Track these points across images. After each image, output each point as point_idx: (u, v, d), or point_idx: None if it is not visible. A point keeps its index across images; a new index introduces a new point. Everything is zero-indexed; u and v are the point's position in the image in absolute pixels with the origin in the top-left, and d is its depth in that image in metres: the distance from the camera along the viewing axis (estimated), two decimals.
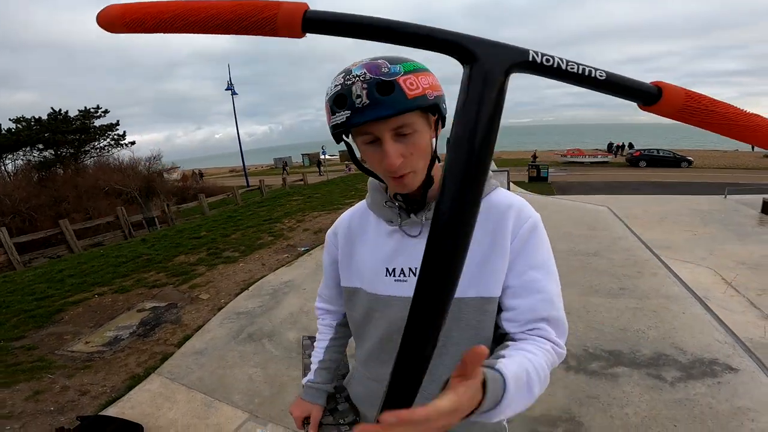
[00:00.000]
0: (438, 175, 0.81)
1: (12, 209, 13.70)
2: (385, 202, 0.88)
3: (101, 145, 26.42)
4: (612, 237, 6.09)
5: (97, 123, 25.88)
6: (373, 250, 0.89)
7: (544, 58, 0.41)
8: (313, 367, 1.09)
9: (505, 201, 0.83)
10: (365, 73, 0.67)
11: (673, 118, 0.43)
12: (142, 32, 0.33)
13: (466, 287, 0.79)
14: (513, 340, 0.78)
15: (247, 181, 26.90)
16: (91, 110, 25.54)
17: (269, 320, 4.07)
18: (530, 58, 0.41)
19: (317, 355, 1.10)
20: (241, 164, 32.13)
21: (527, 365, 0.66)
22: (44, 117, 24.01)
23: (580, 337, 3.31)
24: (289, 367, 3.21)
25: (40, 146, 23.88)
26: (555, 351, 0.76)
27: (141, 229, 12.72)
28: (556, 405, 2.58)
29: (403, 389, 0.49)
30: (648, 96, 0.42)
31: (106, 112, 26.07)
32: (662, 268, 4.75)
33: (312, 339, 1.23)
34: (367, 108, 0.67)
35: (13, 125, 23.31)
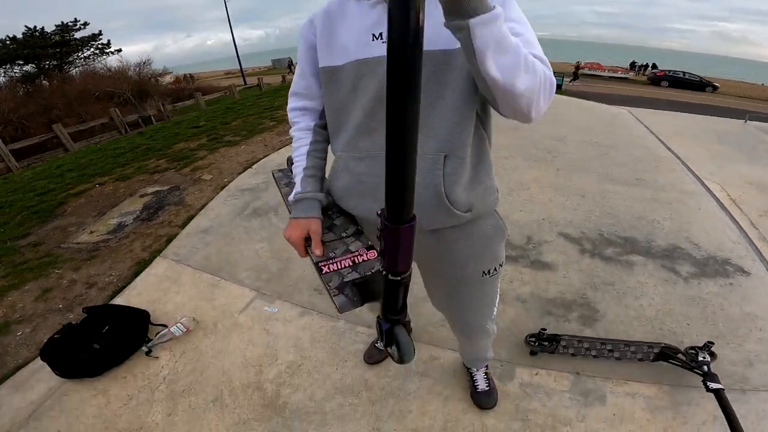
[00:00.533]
0: None
1: (2, 119, 13.17)
2: None
3: (85, 55, 25.81)
4: (631, 134, 5.94)
5: (78, 35, 24.91)
6: (357, 24, 0.87)
7: None
8: (298, 178, 1.00)
9: None
10: None
11: None
12: None
13: (454, 41, 0.73)
14: None
15: (245, 80, 25.63)
16: (69, 24, 24.41)
17: (274, 194, 3.85)
18: None
19: (299, 162, 1.01)
20: (238, 67, 30.18)
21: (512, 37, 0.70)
22: (19, 36, 22.84)
23: (596, 221, 3.22)
24: None
25: (20, 62, 23.26)
26: (543, 65, 0.76)
27: (137, 127, 12.23)
28: (571, 288, 2.49)
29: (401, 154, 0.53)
30: None
31: (85, 24, 25.45)
32: (680, 165, 4.60)
33: (283, 171, 1.16)
34: None
35: None
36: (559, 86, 19.81)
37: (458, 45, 0.72)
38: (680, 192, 3.82)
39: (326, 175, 1.06)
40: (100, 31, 25.94)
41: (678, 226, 3.18)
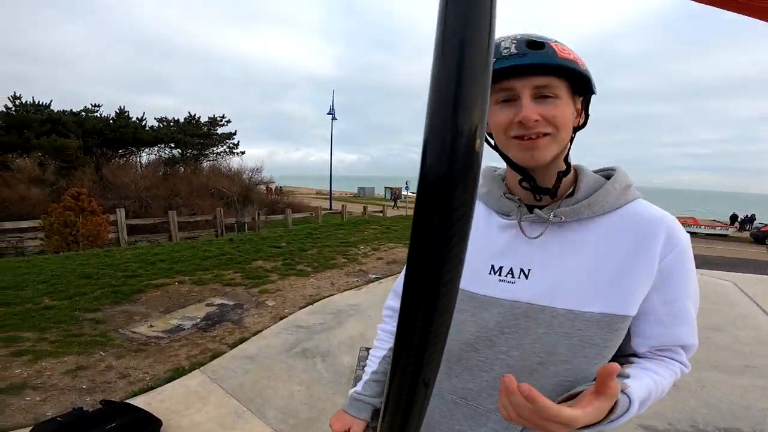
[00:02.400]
0: (571, 171, 0.73)
1: (134, 195, 15.63)
2: (504, 193, 0.78)
3: (218, 150, 29.45)
4: (737, 313, 5.33)
5: (220, 131, 29.06)
6: (478, 244, 0.76)
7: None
8: (364, 377, 0.98)
9: (655, 213, 0.71)
10: (515, 35, 0.67)
11: None
12: None
13: (588, 300, 0.68)
14: (637, 356, 0.74)
15: (331, 205, 28.05)
16: (218, 118, 28.83)
17: (327, 339, 3.82)
18: None
19: (371, 365, 0.98)
20: (328, 188, 33.23)
21: (652, 387, 0.65)
22: (181, 119, 27.57)
23: (689, 412, 2.89)
24: (335, 393, 2.90)
25: (172, 145, 27.03)
26: (681, 371, 0.73)
27: (232, 231, 13.61)
28: None
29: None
30: None
31: (228, 121, 29.27)
32: None
33: (369, 350, 1.11)
34: (513, 56, 0.64)
35: (156, 123, 27.12)
36: None
37: (586, 308, 0.67)
38: None
39: None
40: (235, 131, 29.43)
41: None
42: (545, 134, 0.66)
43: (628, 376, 0.65)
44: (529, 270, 0.71)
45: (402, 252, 8.21)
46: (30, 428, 2.20)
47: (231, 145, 29.77)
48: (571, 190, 0.73)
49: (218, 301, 4.75)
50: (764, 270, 13.20)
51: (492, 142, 0.73)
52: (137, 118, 25.65)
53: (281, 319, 4.28)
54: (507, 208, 0.76)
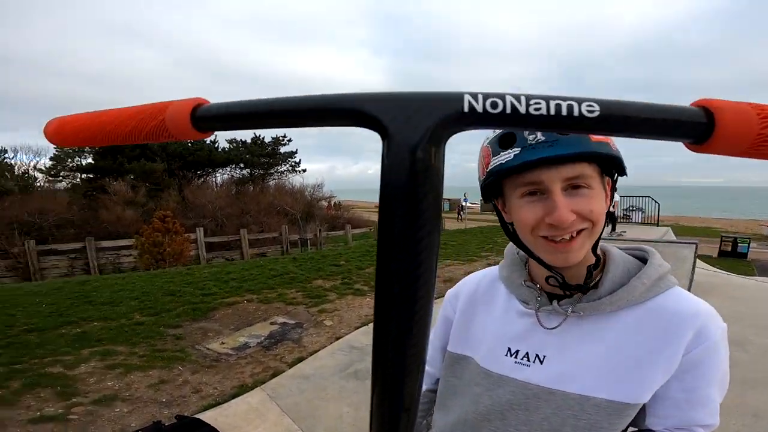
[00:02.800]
0: (606, 259, 0.71)
1: (211, 214, 17.10)
2: (524, 281, 0.76)
3: (282, 169, 31.15)
4: None
5: (282, 150, 30.82)
6: (497, 325, 0.79)
7: (489, 101, 0.27)
8: None
9: (687, 309, 0.67)
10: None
11: (741, 156, 0.26)
12: (73, 145, 0.36)
13: (599, 387, 0.67)
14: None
15: None
16: (280, 138, 30.63)
17: None
18: (465, 109, 0.27)
19: None
20: None
21: None
22: (248, 141, 29.65)
23: None
24: None
25: (242, 165, 29.11)
26: None
27: (295, 247, 14.37)
28: None
29: None
30: (688, 129, 0.26)
31: (289, 140, 30.95)
32: None
33: None
34: (542, 145, 0.58)
35: (227, 145, 29.47)
36: (743, 255, 15.36)
37: (597, 394, 0.67)
38: None
39: None
40: (297, 149, 30.94)
41: None
42: (580, 231, 0.62)
43: None
44: (544, 356, 0.72)
45: (460, 269, 8.19)
46: None
47: (293, 163, 31.35)
48: (594, 282, 0.70)
49: (281, 319, 5.12)
50: None
51: (510, 228, 0.71)
52: (211, 141, 28.04)
53: (337, 339, 4.52)
54: (526, 297, 0.76)
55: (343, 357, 4.08)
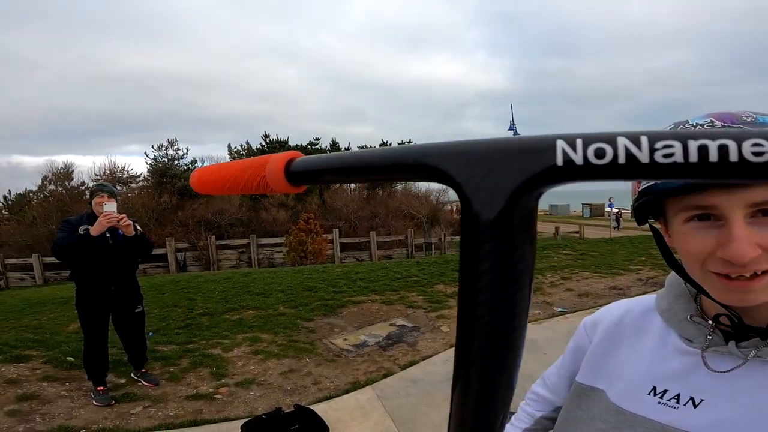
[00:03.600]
0: None
1: (345, 216, 18.64)
2: (691, 315, 0.63)
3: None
4: None
5: None
6: (644, 361, 0.67)
7: (592, 149, 0.20)
8: None
9: None
10: (713, 122, 0.49)
11: None
12: (208, 193, 0.39)
13: None
14: None
15: None
16: (405, 143, 31.81)
17: None
18: (558, 161, 0.21)
19: None
20: None
21: None
22: (376, 146, 31.59)
23: None
24: None
25: None
26: None
27: (420, 251, 14.71)
28: None
29: None
30: None
31: None
32: None
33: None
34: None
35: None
36: None
37: None
38: None
39: None
40: None
41: None
42: (764, 272, 0.48)
43: None
44: (701, 400, 0.59)
45: (600, 282, 7.38)
46: (244, 420, 3.02)
47: None
48: None
49: (400, 322, 5.36)
50: None
51: (674, 257, 0.59)
52: (345, 148, 30.53)
53: (451, 346, 4.52)
54: (692, 334, 0.62)
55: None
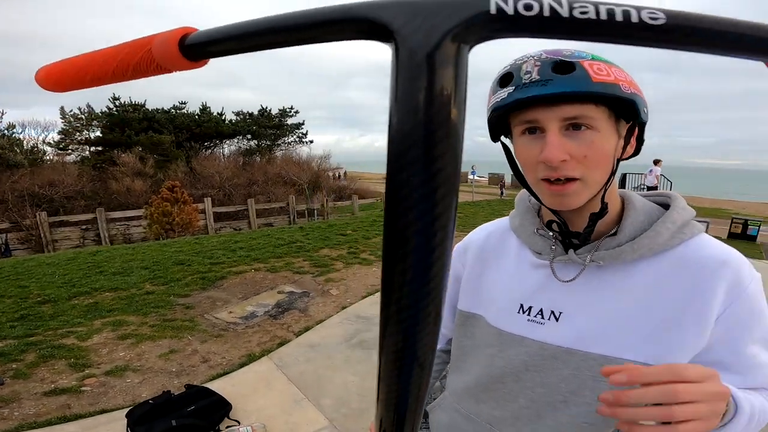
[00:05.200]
0: (615, 205, 0.67)
1: (219, 184, 17.14)
2: (537, 229, 0.73)
3: (289, 140, 31.24)
4: None
5: (289, 121, 30.69)
6: (509, 281, 0.75)
7: (522, 2, 0.21)
8: None
9: (716, 255, 0.62)
10: (542, 54, 0.57)
11: None
12: (65, 89, 0.34)
13: (625, 347, 0.62)
14: None
15: None
16: (287, 110, 30.38)
17: None
18: (492, 10, 0.22)
19: None
20: None
21: (752, 400, 0.58)
22: (255, 113, 29.48)
23: None
24: None
25: (249, 136, 29.10)
26: None
27: (302, 217, 14.41)
28: None
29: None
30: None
31: (296, 112, 30.77)
32: None
33: None
34: (534, 84, 0.55)
35: (233, 117, 29.24)
36: (752, 238, 15.40)
37: (633, 356, 0.61)
38: None
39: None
40: (303, 121, 30.96)
41: None
42: (573, 179, 0.58)
43: None
44: (560, 313, 0.67)
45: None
46: (128, 410, 2.63)
47: (300, 134, 31.32)
48: (615, 230, 0.66)
49: (288, 288, 5.16)
50: None
51: (520, 170, 0.67)
52: (218, 113, 27.75)
53: (343, 308, 4.55)
54: (540, 246, 0.71)
55: (349, 326, 4.12)
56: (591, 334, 0.64)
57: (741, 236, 15.52)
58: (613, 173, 0.61)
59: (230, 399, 2.77)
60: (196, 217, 12.02)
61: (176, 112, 26.12)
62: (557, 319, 0.67)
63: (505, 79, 0.59)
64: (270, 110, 29.85)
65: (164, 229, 11.57)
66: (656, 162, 11.73)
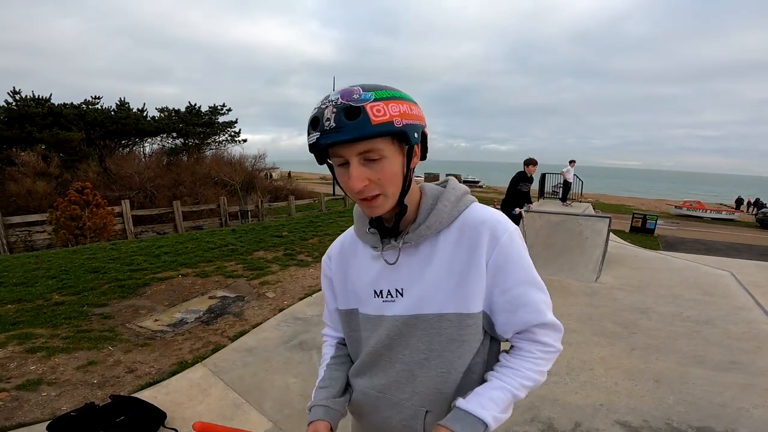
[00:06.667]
0: (413, 203, 0.86)
1: (139, 185, 15.81)
2: (368, 229, 0.91)
3: (220, 139, 29.47)
4: (732, 306, 5.17)
5: (221, 119, 29.01)
6: (362, 274, 0.94)
7: None
8: (314, 390, 1.06)
9: (479, 217, 0.85)
10: (338, 99, 0.71)
11: None
12: None
13: (445, 303, 0.84)
14: (508, 343, 0.91)
15: (334, 191, 27.85)
16: (218, 107, 28.75)
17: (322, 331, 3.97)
18: None
19: (319, 377, 1.08)
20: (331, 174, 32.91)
21: (511, 387, 0.83)
22: (182, 109, 27.55)
23: (666, 410, 2.86)
24: None
25: (174, 134, 27.09)
26: (546, 354, 0.86)
27: (235, 219, 13.78)
28: None
29: None
30: None
31: (229, 110, 29.19)
32: None
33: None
34: (333, 131, 0.71)
35: (157, 114, 27.12)
36: (651, 231, 17.44)
37: (445, 310, 0.84)
38: None
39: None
40: (237, 119, 29.56)
41: None
42: (376, 195, 0.77)
43: (486, 380, 0.86)
44: (402, 288, 0.88)
45: None
46: (47, 423, 2.38)
47: (232, 133, 29.79)
48: (416, 216, 0.86)
49: (220, 293, 4.92)
50: (765, 255, 13.01)
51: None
52: (138, 109, 25.65)
53: (280, 311, 4.43)
54: (372, 242, 0.90)
55: (287, 328, 4.03)
56: (423, 298, 0.85)
57: (641, 229, 17.60)
58: (407, 182, 0.80)
59: (164, 408, 2.60)
60: (112, 221, 11.00)
61: (88, 108, 23.74)
62: (402, 295, 0.87)
63: (314, 123, 0.74)
64: (199, 107, 28.15)
65: (73, 235, 10.45)
66: (571, 162, 12.88)
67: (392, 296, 0.89)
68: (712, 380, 3.28)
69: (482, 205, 0.90)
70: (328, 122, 0.71)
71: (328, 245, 1.07)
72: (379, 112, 0.71)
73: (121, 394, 2.79)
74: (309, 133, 0.75)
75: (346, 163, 0.75)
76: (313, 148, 0.75)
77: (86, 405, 2.52)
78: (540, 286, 0.85)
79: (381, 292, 0.90)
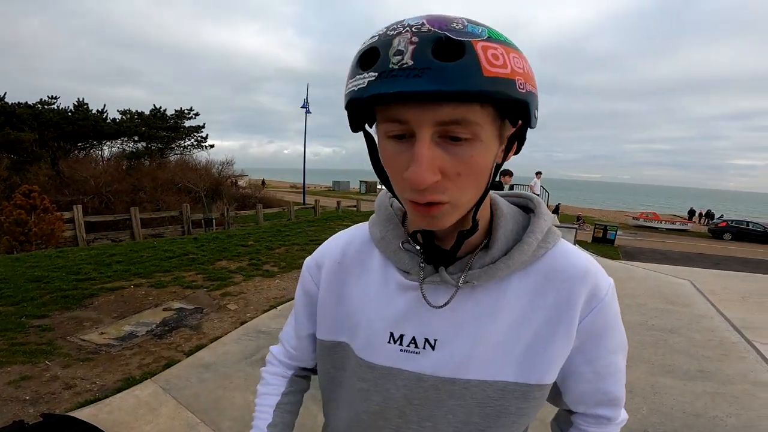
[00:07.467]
0: (483, 220, 0.58)
1: (94, 190, 14.93)
2: (402, 242, 0.61)
3: (186, 144, 28.51)
4: (693, 314, 5.35)
5: (187, 123, 28.13)
6: (374, 304, 0.63)
7: None
8: None
9: (578, 267, 0.59)
10: (423, 24, 0.42)
11: None
12: None
13: (503, 369, 0.59)
14: (572, 414, 0.70)
15: (304, 200, 27.25)
16: (185, 111, 27.87)
17: None
18: None
19: (263, 416, 0.76)
20: (302, 181, 30.82)
21: None
22: (146, 112, 26.52)
23: (641, 421, 2.85)
24: None
25: (136, 138, 25.95)
26: (618, 428, 0.69)
27: (199, 227, 13.21)
28: None
29: None
30: None
31: (196, 114, 28.30)
32: (752, 353, 4.18)
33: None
34: (405, 72, 0.40)
35: (119, 116, 25.95)
36: (611, 241, 18.73)
37: (512, 377, 0.60)
38: (751, 383, 3.43)
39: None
40: (204, 124, 28.58)
41: (745, 422, 2.82)
42: (441, 203, 0.48)
43: None
44: (435, 340, 0.60)
45: None
46: None
47: (199, 138, 28.88)
48: (485, 242, 0.59)
49: (177, 305, 4.57)
50: (719, 264, 13.92)
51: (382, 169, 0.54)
52: (98, 111, 24.48)
53: (242, 324, 4.15)
54: (407, 264, 0.60)
55: (249, 343, 3.75)
56: (469, 360, 0.59)
57: (602, 240, 18.84)
58: (488, 188, 0.52)
59: (105, 428, 2.29)
60: (61, 227, 10.26)
61: (43, 108, 22.43)
62: (433, 348, 0.60)
63: (367, 58, 0.44)
64: (164, 110, 27.15)
65: (18, 241, 9.66)
66: (537, 174, 13.18)
67: (417, 346, 0.61)
68: (682, 389, 3.33)
69: (570, 244, 0.64)
70: (399, 58, 0.41)
71: (295, 256, 0.79)
72: (496, 60, 0.42)
73: (56, 412, 2.47)
74: (353, 76, 0.45)
75: (404, 136, 0.46)
76: (354, 100, 0.45)
77: (14, 423, 2.19)
78: (626, 347, 0.65)
79: (401, 337, 0.61)
